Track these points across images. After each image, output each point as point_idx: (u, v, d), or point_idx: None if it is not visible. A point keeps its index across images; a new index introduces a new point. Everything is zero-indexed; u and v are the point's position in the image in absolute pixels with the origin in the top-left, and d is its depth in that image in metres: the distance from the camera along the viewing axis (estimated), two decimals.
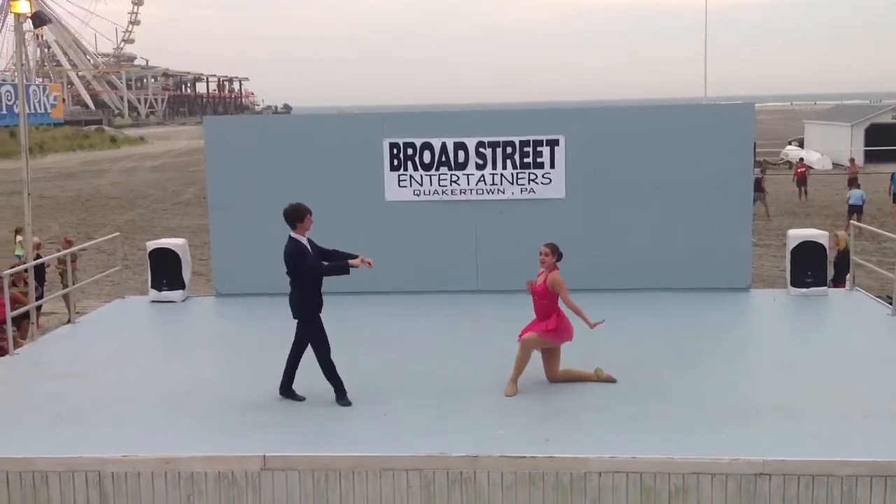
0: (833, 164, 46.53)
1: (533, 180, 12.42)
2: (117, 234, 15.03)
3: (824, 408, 7.87)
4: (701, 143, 12.31)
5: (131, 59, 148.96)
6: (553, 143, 12.37)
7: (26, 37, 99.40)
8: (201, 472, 7.01)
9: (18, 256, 19.56)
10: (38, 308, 14.44)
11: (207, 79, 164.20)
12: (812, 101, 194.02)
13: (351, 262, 8.12)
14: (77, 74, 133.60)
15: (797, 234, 12.72)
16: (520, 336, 8.49)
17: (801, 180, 34.78)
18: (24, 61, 18.92)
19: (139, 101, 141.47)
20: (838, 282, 13.26)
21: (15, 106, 73.31)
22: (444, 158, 12.47)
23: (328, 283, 8.22)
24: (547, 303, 8.40)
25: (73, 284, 13.24)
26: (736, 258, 12.37)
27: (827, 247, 12.45)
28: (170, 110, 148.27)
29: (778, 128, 78.58)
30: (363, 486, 6.93)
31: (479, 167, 12.46)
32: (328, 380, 8.18)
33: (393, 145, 12.50)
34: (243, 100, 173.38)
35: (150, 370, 9.63)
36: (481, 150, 12.43)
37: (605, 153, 12.35)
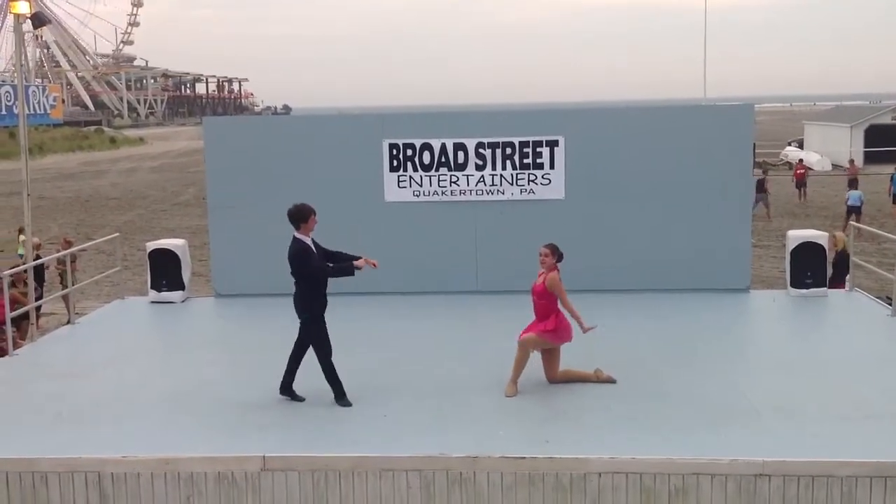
0: (832, 164, 46.56)
1: (532, 181, 12.43)
2: (117, 234, 15.04)
3: (824, 408, 7.87)
4: (700, 143, 12.32)
5: (131, 59, 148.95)
6: (552, 144, 12.37)
7: (26, 37, 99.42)
8: (201, 473, 7.01)
9: (21, 255, 19.59)
10: (38, 309, 14.44)
11: (207, 79, 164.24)
12: (812, 102, 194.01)
13: (355, 262, 8.13)
14: (76, 75, 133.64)
15: (797, 235, 12.73)
16: (519, 337, 8.49)
17: (801, 182, 34.78)
18: (23, 62, 18.90)
19: (138, 102, 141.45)
20: (836, 283, 13.27)
21: (14, 107, 73.28)
22: (443, 159, 12.47)
23: (328, 283, 8.22)
24: (546, 303, 8.40)
25: (73, 285, 13.24)
26: (735, 259, 12.37)
27: (826, 248, 12.46)
28: (169, 111, 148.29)
29: (777, 129, 78.59)
30: (363, 487, 6.93)
31: (479, 168, 12.46)
32: (328, 381, 8.18)
33: (392, 146, 12.50)
34: (243, 100, 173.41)
35: (150, 371, 9.62)
36: (481, 150, 12.43)
37: (604, 154, 12.35)
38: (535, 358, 8.54)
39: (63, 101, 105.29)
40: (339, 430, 7.62)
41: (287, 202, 8.32)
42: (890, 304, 11.30)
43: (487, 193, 12.49)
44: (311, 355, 8.25)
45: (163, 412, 8.14)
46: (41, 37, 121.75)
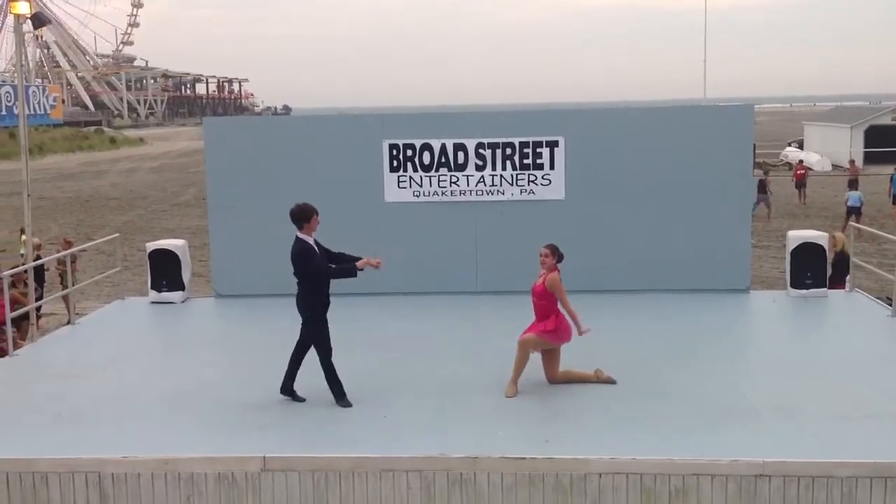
0: (833, 165, 46.56)
1: (532, 181, 12.43)
2: (117, 235, 15.03)
3: (824, 409, 7.87)
4: (700, 144, 12.32)
5: (131, 60, 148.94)
6: (552, 145, 12.37)
7: (26, 38, 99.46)
8: (201, 473, 7.01)
9: (23, 255, 19.56)
10: (38, 309, 14.44)
11: (207, 80, 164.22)
12: (812, 103, 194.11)
13: (357, 263, 8.12)
14: (76, 75, 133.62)
15: (797, 236, 12.74)
16: (519, 338, 8.49)
17: (801, 182, 34.74)
18: (23, 62, 18.89)
19: (139, 103, 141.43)
20: (835, 283, 13.27)
21: (14, 107, 73.32)
22: (443, 160, 12.48)
23: (331, 283, 8.21)
24: (546, 304, 8.40)
25: (73, 285, 13.24)
26: (735, 259, 12.38)
27: (826, 248, 12.46)
28: (169, 111, 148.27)
29: (777, 129, 78.62)
30: (363, 487, 6.93)
31: (479, 168, 12.46)
32: (327, 382, 8.18)
33: (393, 146, 12.50)
34: (243, 101, 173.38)
35: (150, 371, 9.63)
36: (481, 151, 12.43)
37: (604, 154, 12.35)
38: (536, 358, 8.54)
39: (63, 101, 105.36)
40: (339, 431, 7.62)
41: (287, 203, 8.32)
42: (890, 305, 11.30)
43: (487, 194, 12.49)
44: (312, 355, 8.25)
45: (163, 412, 8.14)
46: (41, 37, 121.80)
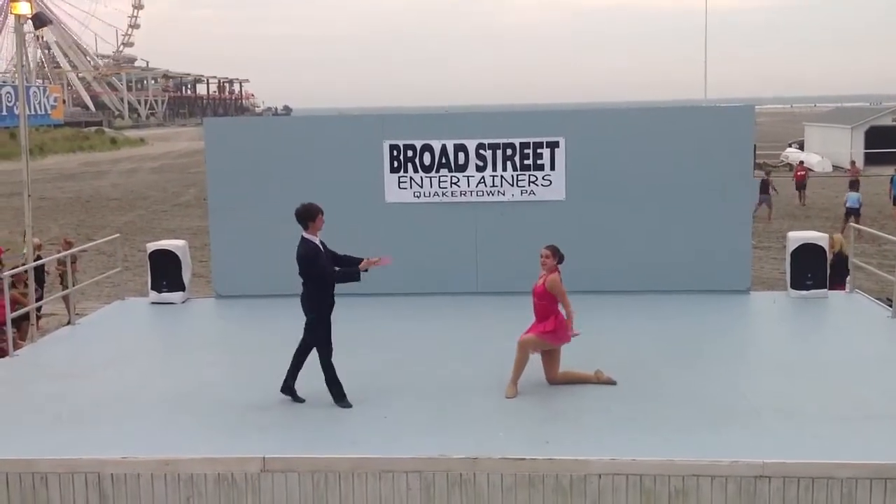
0: (833, 166, 46.54)
1: (533, 182, 12.43)
2: (117, 235, 15.04)
3: (824, 409, 7.87)
4: (701, 145, 12.32)
5: (131, 60, 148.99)
6: (553, 145, 12.37)
7: (27, 38, 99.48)
8: (201, 474, 7.01)
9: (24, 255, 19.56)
10: (38, 309, 14.44)
11: (208, 80, 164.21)
12: (812, 104, 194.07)
13: (360, 265, 8.12)
14: (77, 76, 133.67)
15: (797, 237, 12.74)
16: (519, 338, 8.49)
17: (801, 183, 34.70)
18: (24, 63, 18.92)
19: (139, 103, 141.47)
20: (834, 284, 13.26)
21: (15, 107, 73.30)
22: (444, 160, 12.48)
23: (336, 285, 8.20)
24: (546, 304, 8.40)
25: (73, 286, 13.24)
26: (736, 260, 12.37)
27: (826, 249, 12.46)
28: (170, 112, 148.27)
29: (778, 130, 78.60)
30: (363, 488, 6.93)
31: (480, 169, 12.46)
32: (327, 383, 8.17)
33: (393, 147, 12.51)
34: (243, 101, 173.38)
35: (150, 371, 9.63)
36: (481, 151, 12.43)
37: (605, 155, 12.35)
38: (536, 359, 8.54)
39: (64, 101, 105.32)
40: (339, 431, 7.62)
41: (288, 203, 8.32)
42: (890, 306, 11.30)
43: (488, 194, 12.49)
44: (312, 356, 8.24)
45: (163, 413, 8.14)
46: (42, 37, 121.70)
